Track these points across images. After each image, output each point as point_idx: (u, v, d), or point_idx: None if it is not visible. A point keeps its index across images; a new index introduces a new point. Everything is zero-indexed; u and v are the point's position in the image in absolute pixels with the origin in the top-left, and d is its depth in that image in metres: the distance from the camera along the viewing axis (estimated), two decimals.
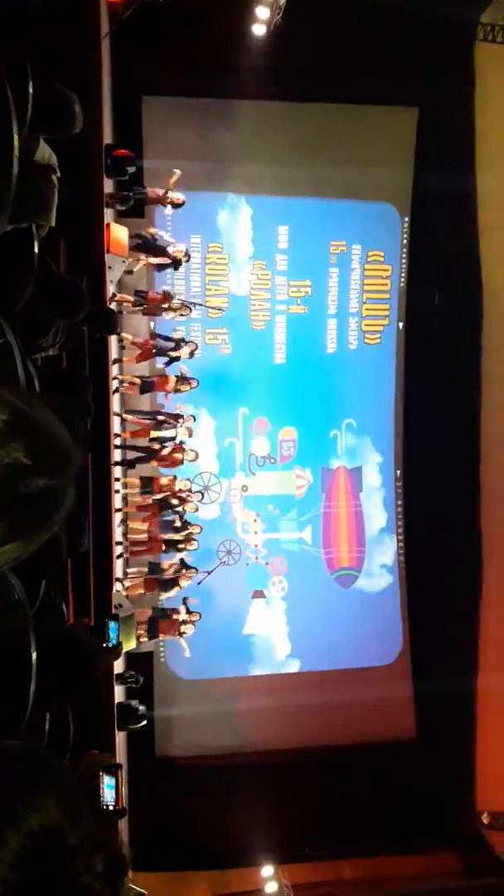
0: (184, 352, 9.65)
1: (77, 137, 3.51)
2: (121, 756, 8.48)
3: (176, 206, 9.47)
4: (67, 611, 4.97)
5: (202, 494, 10.32)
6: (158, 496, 9.38)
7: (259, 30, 9.20)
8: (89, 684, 2.49)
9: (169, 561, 9.56)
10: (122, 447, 9.27)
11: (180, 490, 9.58)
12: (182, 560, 9.58)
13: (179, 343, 9.66)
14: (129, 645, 8.19)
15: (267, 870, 9.38)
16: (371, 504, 11.78)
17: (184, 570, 9.51)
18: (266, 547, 11.39)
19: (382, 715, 11.19)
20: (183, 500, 9.55)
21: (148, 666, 10.15)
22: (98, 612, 7.21)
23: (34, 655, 2.08)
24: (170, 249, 9.58)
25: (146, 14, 8.70)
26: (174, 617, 9.38)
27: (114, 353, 8.86)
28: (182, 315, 9.70)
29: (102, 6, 8.11)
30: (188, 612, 9.48)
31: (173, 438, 9.47)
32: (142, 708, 8.79)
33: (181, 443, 9.53)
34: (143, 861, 8.33)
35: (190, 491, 9.80)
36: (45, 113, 3.22)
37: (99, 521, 7.43)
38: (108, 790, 5.67)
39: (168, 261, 9.57)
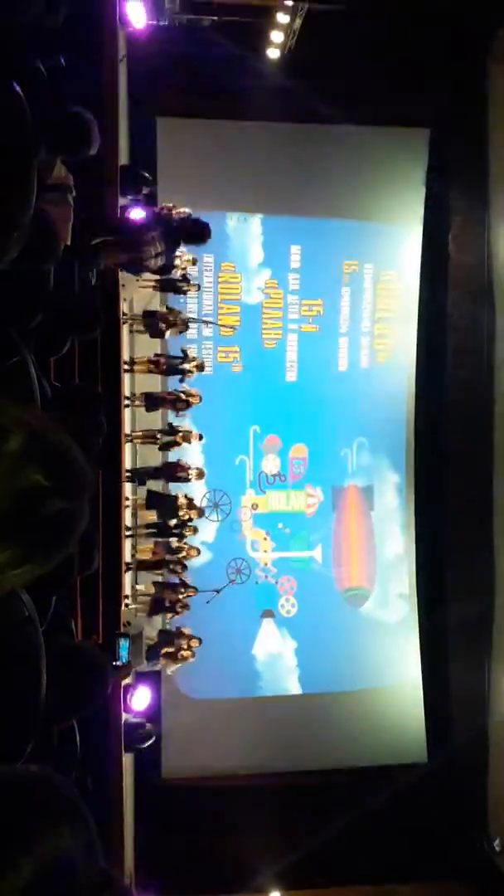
0: (193, 365, 9.61)
1: (93, 158, 3.57)
2: (127, 776, 8.40)
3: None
4: (76, 628, 4.96)
5: (202, 511, 10.15)
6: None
7: (273, 53, 9.33)
8: (99, 701, 2.48)
9: (171, 580, 9.44)
10: (133, 471, 9.24)
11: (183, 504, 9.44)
12: (182, 580, 9.43)
13: (187, 357, 9.64)
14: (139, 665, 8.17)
15: None
16: (386, 526, 11.69)
17: (184, 590, 9.35)
18: (276, 565, 11.33)
19: (392, 738, 11.04)
20: (182, 525, 9.40)
21: (155, 685, 10.06)
22: (107, 630, 7.19)
23: (44, 672, 2.06)
24: (177, 262, 9.62)
25: (161, 37, 8.86)
26: (176, 646, 9.18)
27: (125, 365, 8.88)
28: (181, 332, 9.65)
29: (120, 30, 8.26)
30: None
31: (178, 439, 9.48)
32: (149, 727, 8.70)
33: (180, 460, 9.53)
34: (148, 884, 8.21)
35: (194, 508, 9.65)
36: (62, 135, 3.28)
37: (108, 538, 7.42)
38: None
39: (178, 275, 9.59)
